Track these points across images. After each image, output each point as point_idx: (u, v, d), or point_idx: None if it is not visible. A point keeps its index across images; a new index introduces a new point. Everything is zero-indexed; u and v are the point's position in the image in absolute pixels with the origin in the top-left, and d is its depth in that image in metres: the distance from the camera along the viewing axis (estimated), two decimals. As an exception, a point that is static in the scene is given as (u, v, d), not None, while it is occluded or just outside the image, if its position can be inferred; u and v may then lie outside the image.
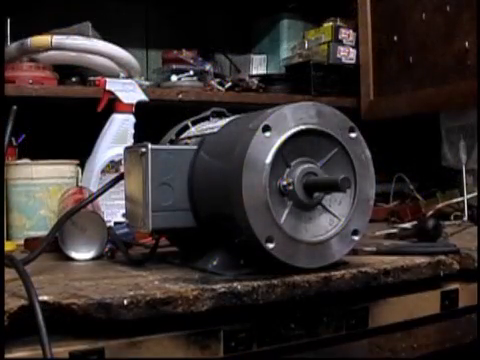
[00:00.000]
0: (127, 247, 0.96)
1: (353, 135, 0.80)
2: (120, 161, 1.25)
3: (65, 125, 1.31)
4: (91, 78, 1.41)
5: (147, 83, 1.53)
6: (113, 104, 1.32)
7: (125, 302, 0.66)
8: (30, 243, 1.07)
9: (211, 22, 1.84)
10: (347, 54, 1.79)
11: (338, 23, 1.79)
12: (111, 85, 1.33)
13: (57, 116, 1.29)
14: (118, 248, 0.94)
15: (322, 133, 0.78)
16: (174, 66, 1.62)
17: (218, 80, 1.65)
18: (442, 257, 0.89)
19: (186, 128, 0.94)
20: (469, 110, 1.46)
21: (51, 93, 1.37)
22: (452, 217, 1.30)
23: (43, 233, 0.95)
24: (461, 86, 1.45)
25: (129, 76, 1.46)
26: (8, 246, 1.11)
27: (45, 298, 0.67)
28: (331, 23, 1.79)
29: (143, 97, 1.36)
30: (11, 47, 1.42)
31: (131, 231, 1.02)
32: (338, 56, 1.78)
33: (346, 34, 1.79)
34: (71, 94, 1.39)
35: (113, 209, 1.27)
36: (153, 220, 0.81)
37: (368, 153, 0.81)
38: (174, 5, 1.78)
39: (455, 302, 0.93)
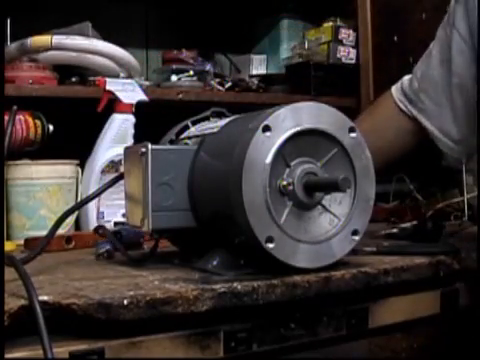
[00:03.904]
0: (135, 248, 0.96)
1: (353, 135, 0.80)
2: (120, 161, 1.25)
3: (65, 125, 1.31)
4: (91, 78, 1.41)
5: (147, 83, 1.53)
6: (113, 104, 1.32)
7: (125, 302, 0.66)
8: (30, 243, 1.07)
9: (211, 22, 1.83)
10: (347, 54, 1.79)
11: (338, 23, 1.79)
12: (111, 85, 1.33)
13: (57, 116, 1.29)
14: (117, 249, 0.94)
15: (322, 133, 0.78)
16: (174, 66, 1.62)
17: (218, 80, 1.65)
18: (442, 257, 0.89)
19: (186, 128, 0.94)
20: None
21: (51, 93, 1.37)
22: (452, 217, 1.30)
23: (43, 233, 0.94)
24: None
25: (129, 76, 1.46)
26: (8, 246, 1.11)
27: (45, 298, 0.67)
28: (331, 23, 1.79)
29: (143, 97, 1.36)
30: (11, 47, 1.42)
31: (140, 232, 1.00)
32: (338, 56, 1.78)
33: (346, 34, 1.79)
34: (71, 94, 1.39)
35: (113, 209, 1.27)
36: (153, 220, 0.81)
37: (368, 153, 0.81)
38: (174, 5, 1.78)
39: (455, 302, 0.93)
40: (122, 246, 0.93)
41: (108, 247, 0.96)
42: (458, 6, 1.12)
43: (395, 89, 1.23)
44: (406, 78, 1.23)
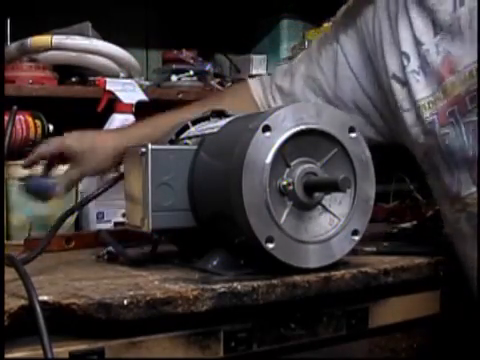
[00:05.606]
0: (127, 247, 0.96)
1: (353, 135, 0.80)
2: (120, 161, 1.25)
3: (65, 125, 1.31)
4: (91, 78, 1.41)
5: (147, 83, 1.53)
6: (113, 104, 1.32)
7: (125, 302, 0.66)
8: (30, 243, 1.06)
9: (211, 22, 1.83)
10: (347, 54, 1.78)
11: (338, 23, 1.79)
12: (111, 85, 1.33)
13: (57, 116, 1.30)
14: (118, 252, 0.94)
15: (322, 133, 0.78)
16: (174, 66, 1.62)
17: (218, 80, 1.65)
18: (442, 257, 0.89)
19: (186, 128, 0.94)
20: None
21: (51, 93, 1.37)
22: (452, 217, 1.30)
23: (43, 233, 0.95)
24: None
25: (129, 76, 1.46)
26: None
27: (45, 298, 0.67)
28: (331, 23, 1.79)
29: (143, 97, 1.35)
30: (11, 47, 1.42)
31: (48, 184, 1.00)
32: (338, 56, 1.77)
33: (346, 34, 1.78)
34: (71, 94, 1.39)
35: (113, 209, 1.27)
36: (153, 220, 0.81)
37: (368, 153, 0.81)
38: (174, 5, 1.78)
39: (455, 302, 0.93)
40: (123, 249, 0.93)
41: (107, 249, 0.96)
42: (346, 21, 1.01)
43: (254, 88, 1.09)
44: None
